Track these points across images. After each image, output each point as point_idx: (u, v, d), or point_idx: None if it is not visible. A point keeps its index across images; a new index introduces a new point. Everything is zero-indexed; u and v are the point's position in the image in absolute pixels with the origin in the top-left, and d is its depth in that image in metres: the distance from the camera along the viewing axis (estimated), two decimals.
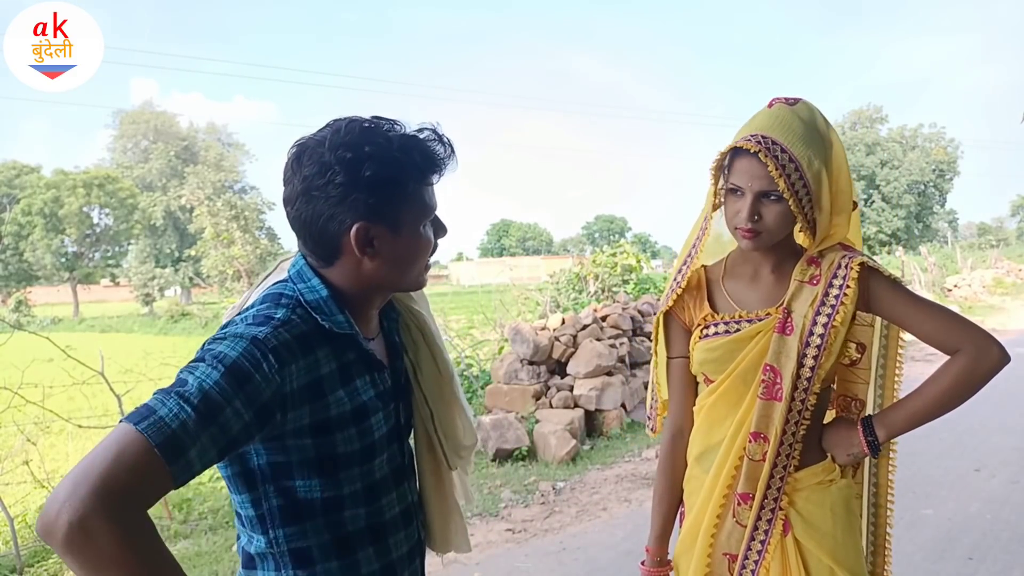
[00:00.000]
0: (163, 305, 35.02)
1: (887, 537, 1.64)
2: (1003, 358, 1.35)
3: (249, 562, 1.13)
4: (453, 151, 1.13)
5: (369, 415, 1.14)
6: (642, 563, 1.61)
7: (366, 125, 1.07)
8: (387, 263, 1.11)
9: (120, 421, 0.87)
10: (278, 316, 1.04)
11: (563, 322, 7.27)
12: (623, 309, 7.90)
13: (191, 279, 37.97)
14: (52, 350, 5.06)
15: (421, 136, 1.10)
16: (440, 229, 1.18)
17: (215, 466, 1.01)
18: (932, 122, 56.05)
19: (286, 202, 1.10)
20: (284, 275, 1.19)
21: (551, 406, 6.54)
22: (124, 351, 13.55)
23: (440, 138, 1.11)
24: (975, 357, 1.35)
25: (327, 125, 1.09)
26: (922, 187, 44.17)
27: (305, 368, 1.04)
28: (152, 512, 0.89)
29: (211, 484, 6.28)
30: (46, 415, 5.44)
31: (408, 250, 1.13)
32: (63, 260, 41.14)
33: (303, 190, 1.06)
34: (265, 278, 1.25)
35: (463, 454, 1.39)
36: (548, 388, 6.76)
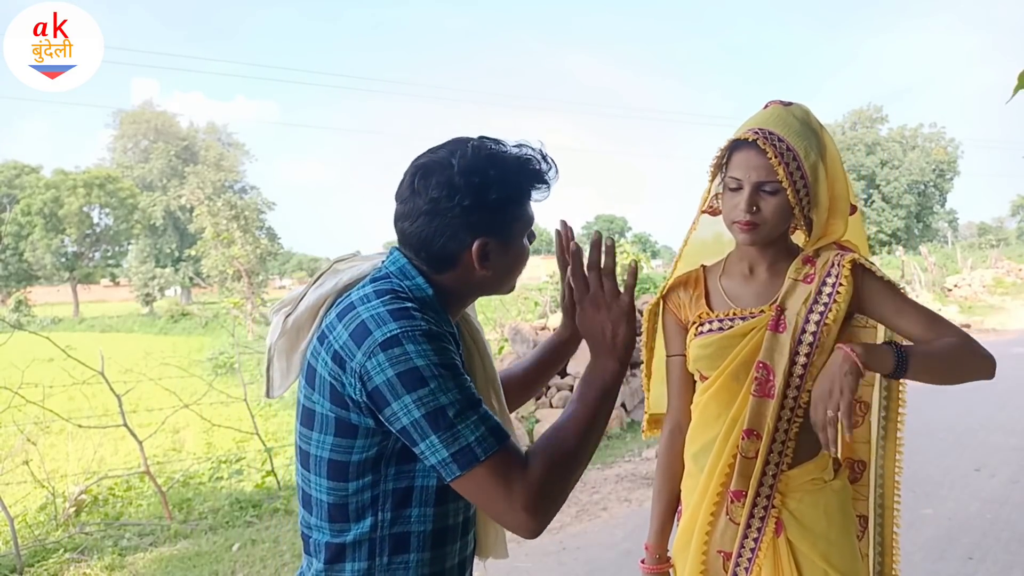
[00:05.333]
0: (163, 305, 35.02)
1: (894, 536, 1.64)
2: (991, 358, 1.36)
3: (337, 555, 1.13)
4: (556, 169, 1.22)
5: None
6: (642, 561, 1.61)
7: (488, 150, 1.16)
8: (497, 273, 1.20)
9: (469, 469, 1.02)
10: (411, 306, 1.09)
11: None
12: None
13: (191, 279, 37.97)
14: (52, 350, 5.06)
15: (530, 155, 1.19)
16: (531, 236, 1.25)
17: (330, 451, 1.10)
18: (932, 122, 55.95)
19: (403, 217, 1.16)
20: (340, 277, 1.21)
21: (551, 406, 6.55)
22: (124, 351, 13.58)
23: (544, 158, 1.20)
24: (967, 339, 1.36)
25: (446, 147, 1.16)
26: (922, 187, 44.13)
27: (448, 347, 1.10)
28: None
29: (211, 484, 6.28)
30: (46, 415, 5.45)
31: (515, 260, 1.22)
32: (63, 260, 41.14)
33: (428, 210, 1.13)
34: (319, 277, 1.25)
35: None
36: (548, 388, 6.77)
